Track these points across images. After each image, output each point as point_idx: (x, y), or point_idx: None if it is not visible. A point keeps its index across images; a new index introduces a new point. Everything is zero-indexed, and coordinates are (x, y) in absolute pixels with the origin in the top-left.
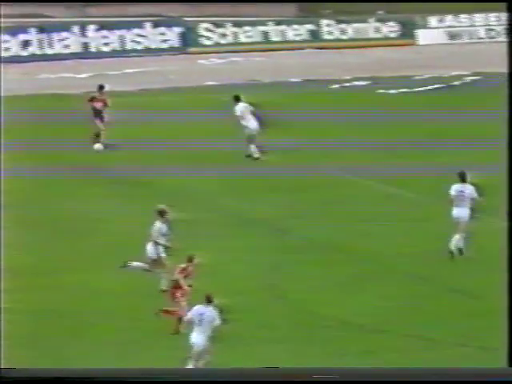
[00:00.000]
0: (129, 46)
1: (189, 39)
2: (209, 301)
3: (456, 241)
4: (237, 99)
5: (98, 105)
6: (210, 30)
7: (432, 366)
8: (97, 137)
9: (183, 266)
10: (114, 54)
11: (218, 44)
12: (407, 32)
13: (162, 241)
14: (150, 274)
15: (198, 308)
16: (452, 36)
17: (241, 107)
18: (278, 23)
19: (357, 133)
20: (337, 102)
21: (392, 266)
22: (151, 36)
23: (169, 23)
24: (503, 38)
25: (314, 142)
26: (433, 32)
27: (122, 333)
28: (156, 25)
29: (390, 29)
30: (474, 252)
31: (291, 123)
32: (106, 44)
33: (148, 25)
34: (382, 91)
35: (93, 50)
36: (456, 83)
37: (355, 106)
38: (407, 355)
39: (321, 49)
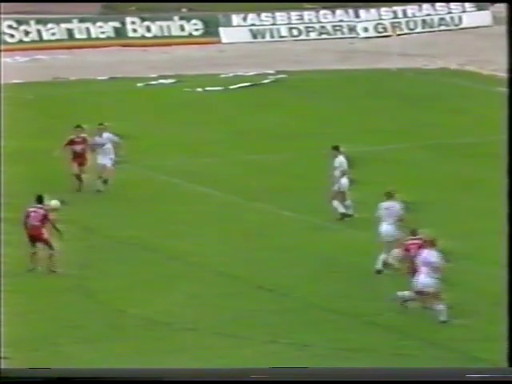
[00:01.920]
0: None
1: None
2: (433, 244)
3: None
4: (103, 127)
5: (78, 147)
6: (13, 28)
7: (243, 362)
8: (78, 179)
9: (411, 241)
10: None
11: (21, 41)
12: (211, 30)
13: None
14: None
15: (423, 252)
16: (254, 34)
17: (107, 137)
18: (82, 20)
19: (164, 131)
20: (143, 100)
21: (201, 264)
22: None
23: None
24: (305, 37)
25: (122, 140)
26: (236, 30)
27: None
28: None
29: (194, 27)
30: (281, 249)
31: (100, 121)
32: None
33: None
34: (187, 89)
35: None
36: (260, 81)
37: (162, 105)
38: (218, 353)
39: (126, 46)
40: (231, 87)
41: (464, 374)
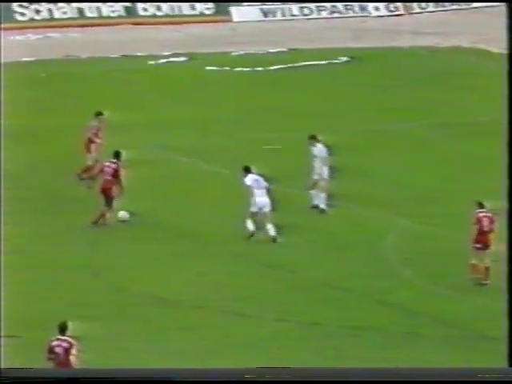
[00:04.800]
0: None
1: (3, 15)
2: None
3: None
4: None
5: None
6: (24, 6)
7: (251, 341)
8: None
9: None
10: None
11: (32, 20)
12: (222, 9)
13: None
14: None
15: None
16: (265, 13)
17: None
18: None
19: (176, 109)
20: (156, 78)
21: (209, 242)
22: None
23: None
24: (317, 15)
25: (135, 119)
26: (247, 9)
27: None
28: None
29: (205, 5)
30: (289, 227)
31: (112, 99)
32: None
33: None
34: (200, 67)
35: None
36: (273, 59)
37: (174, 82)
38: (226, 331)
39: (137, 25)
40: (242, 66)
41: (464, 373)
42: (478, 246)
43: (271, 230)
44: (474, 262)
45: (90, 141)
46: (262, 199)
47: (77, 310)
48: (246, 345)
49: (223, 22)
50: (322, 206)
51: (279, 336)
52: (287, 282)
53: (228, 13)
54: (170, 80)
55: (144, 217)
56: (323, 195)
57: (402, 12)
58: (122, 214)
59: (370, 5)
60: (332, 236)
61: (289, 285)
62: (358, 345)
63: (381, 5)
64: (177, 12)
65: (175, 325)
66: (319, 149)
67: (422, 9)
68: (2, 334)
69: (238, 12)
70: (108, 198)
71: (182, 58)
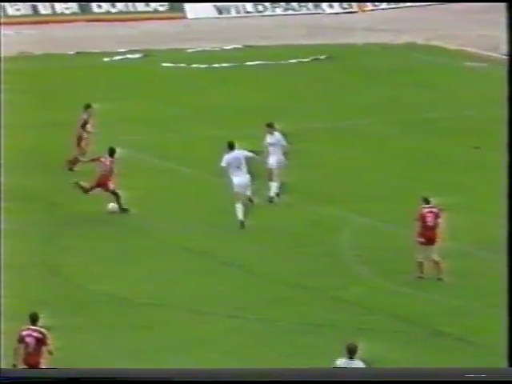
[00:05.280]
0: None
1: None
2: None
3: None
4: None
5: (89, 127)
6: None
7: (206, 338)
8: (74, 163)
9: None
10: None
11: None
12: (176, 6)
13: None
14: None
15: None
16: (220, 10)
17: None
18: None
19: (132, 106)
20: (112, 75)
21: (165, 240)
22: None
23: None
24: (271, 12)
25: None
26: (201, 6)
27: None
28: None
29: (159, 2)
30: (246, 225)
31: (67, 96)
32: None
33: None
34: (155, 64)
35: None
36: (228, 56)
37: (130, 79)
38: (181, 328)
39: (91, 21)
40: (201, 62)
41: (464, 373)
42: (422, 240)
43: (240, 212)
44: (420, 259)
45: (80, 136)
46: (241, 179)
47: (35, 308)
48: (203, 342)
49: (178, 18)
50: (272, 194)
51: (235, 333)
52: (243, 279)
53: (182, 10)
54: (126, 77)
55: (99, 214)
56: (276, 184)
57: (355, 9)
58: (112, 206)
59: (324, 2)
60: (287, 233)
61: (244, 282)
62: (314, 341)
63: (334, 2)
64: (131, 9)
65: (131, 323)
66: (276, 137)
67: (375, 6)
68: None
69: (192, 9)
70: (109, 191)
71: (137, 55)
